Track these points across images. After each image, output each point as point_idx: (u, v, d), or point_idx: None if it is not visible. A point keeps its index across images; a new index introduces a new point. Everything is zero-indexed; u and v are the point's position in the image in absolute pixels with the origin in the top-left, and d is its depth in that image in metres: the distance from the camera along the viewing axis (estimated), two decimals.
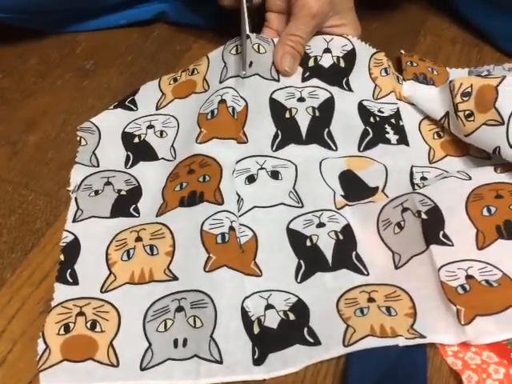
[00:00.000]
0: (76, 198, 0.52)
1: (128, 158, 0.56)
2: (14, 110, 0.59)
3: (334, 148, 0.54)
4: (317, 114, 0.55)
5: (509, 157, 0.49)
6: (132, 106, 0.59)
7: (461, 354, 0.43)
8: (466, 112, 0.52)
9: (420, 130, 0.57)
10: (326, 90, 0.57)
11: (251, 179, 0.52)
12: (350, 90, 0.58)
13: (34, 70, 0.64)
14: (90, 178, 0.53)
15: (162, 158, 0.55)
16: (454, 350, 0.43)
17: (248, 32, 0.55)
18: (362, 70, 0.59)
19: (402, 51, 0.63)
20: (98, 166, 0.55)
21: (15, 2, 0.61)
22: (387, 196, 0.51)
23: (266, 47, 0.57)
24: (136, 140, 0.57)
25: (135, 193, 0.53)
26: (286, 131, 0.55)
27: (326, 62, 0.58)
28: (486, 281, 0.45)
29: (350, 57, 0.59)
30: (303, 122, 0.55)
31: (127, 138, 0.57)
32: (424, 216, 0.47)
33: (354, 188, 0.52)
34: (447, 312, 0.44)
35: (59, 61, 0.65)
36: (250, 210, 0.51)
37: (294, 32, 0.56)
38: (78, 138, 0.57)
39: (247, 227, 0.50)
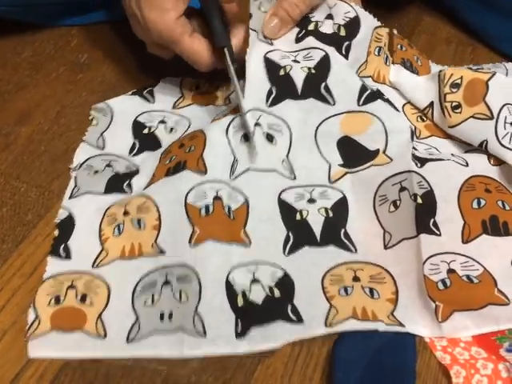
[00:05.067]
0: (76, 177, 0.53)
1: (134, 146, 0.56)
2: (7, 101, 0.59)
3: (332, 102, 0.53)
4: (313, 71, 0.54)
5: (495, 151, 0.50)
6: (149, 97, 0.60)
7: (450, 349, 0.43)
8: (454, 103, 0.52)
9: (404, 113, 0.56)
10: (321, 50, 0.55)
11: (246, 138, 0.52)
12: (346, 56, 0.56)
13: (28, 62, 0.64)
14: (92, 159, 0.54)
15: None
16: (443, 344, 0.43)
17: (244, 107, 0.52)
18: (364, 40, 0.57)
19: (395, 30, 0.61)
20: (104, 148, 0.56)
21: None
22: (390, 158, 0.50)
23: (266, 6, 0.56)
24: (145, 131, 0.57)
25: (132, 174, 0.53)
26: (281, 87, 0.53)
27: (327, 29, 0.56)
28: (467, 276, 0.45)
29: (353, 25, 0.57)
30: (298, 77, 0.53)
31: (137, 126, 0.58)
32: (419, 200, 0.47)
33: (354, 154, 0.51)
34: (426, 306, 0.44)
35: (54, 54, 0.65)
36: (243, 172, 0.51)
37: None
38: (90, 118, 0.58)
39: (239, 192, 0.50)
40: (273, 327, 0.44)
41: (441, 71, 0.54)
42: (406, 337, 0.43)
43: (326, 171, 0.51)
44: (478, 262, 0.46)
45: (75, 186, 0.52)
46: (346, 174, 0.51)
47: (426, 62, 0.62)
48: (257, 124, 0.52)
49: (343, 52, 0.56)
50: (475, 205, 0.48)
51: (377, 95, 0.54)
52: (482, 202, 0.48)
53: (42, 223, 0.50)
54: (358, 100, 0.53)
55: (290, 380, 0.42)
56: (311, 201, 0.50)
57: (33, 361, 0.42)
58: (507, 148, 0.49)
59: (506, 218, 0.47)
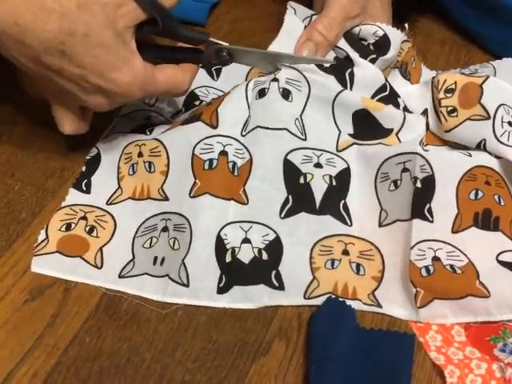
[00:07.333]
0: (115, 123, 0.56)
1: (179, 112, 0.57)
2: (2, 98, 0.59)
3: (349, 88, 0.52)
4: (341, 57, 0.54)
5: (494, 149, 0.50)
6: (214, 74, 0.61)
7: (444, 349, 0.43)
8: (449, 108, 0.53)
9: None
10: (345, 51, 0.54)
11: (262, 93, 0.51)
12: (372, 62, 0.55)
13: None
14: (137, 112, 0.57)
15: None
16: (438, 345, 0.43)
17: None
18: (392, 58, 0.57)
19: (406, 25, 0.60)
20: (152, 106, 0.58)
21: None
22: (400, 141, 0.51)
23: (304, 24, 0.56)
24: (197, 103, 0.58)
25: (161, 124, 0.55)
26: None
27: (359, 45, 0.56)
28: (451, 266, 0.45)
29: (382, 43, 0.56)
30: (329, 54, 0.54)
31: (192, 97, 0.58)
32: (418, 184, 0.47)
33: (367, 127, 0.51)
34: (408, 289, 0.45)
35: None
36: (253, 129, 0.50)
37: (328, 13, 0.53)
38: None
39: (246, 149, 0.50)
40: (254, 289, 0.46)
41: (434, 78, 0.55)
42: (406, 334, 0.44)
43: (335, 139, 0.51)
44: (463, 253, 0.46)
45: (111, 128, 0.55)
46: (353, 144, 0.51)
47: (420, 64, 0.62)
48: (274, 79, 0.51)
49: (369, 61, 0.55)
50: (472, 196, 0.48)
51: (390, 100, 0.53)
52: (480, 194, 0.48)
53: (37, 221, 0.50)
54: (372, 97, 0.53)
55: (284, 379, 0.42)
56: (318, 165, 0.49)
57: (26, 359, 0.42)
58: (506, 145, 0.50)
59: (499, 213, 0.47)
